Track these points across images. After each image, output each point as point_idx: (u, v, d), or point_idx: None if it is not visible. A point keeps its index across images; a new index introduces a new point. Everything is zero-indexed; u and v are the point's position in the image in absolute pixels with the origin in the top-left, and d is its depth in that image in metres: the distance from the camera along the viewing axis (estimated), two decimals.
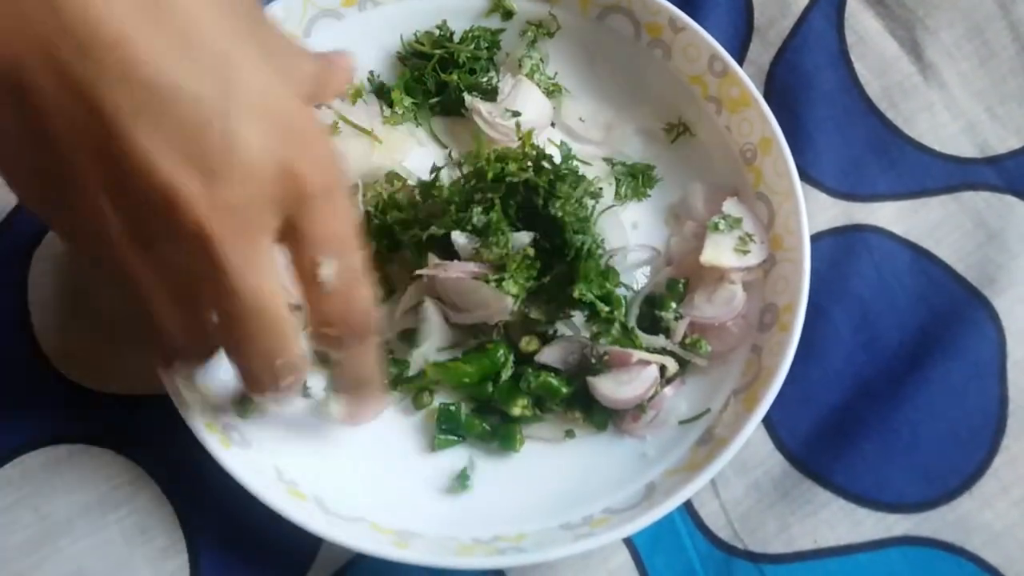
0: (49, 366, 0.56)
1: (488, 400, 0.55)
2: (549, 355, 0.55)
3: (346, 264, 0.43)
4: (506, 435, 0.54)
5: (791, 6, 0.67)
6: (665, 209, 0.61)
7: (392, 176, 0.59)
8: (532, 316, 0.55)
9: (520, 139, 0.57)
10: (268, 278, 0.41)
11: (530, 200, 0.54)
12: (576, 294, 0.53)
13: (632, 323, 0.56)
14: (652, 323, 0.56)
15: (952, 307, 0.59)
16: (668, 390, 0.55)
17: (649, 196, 0.61)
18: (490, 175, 0.54)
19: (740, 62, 0.65)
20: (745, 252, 0.56)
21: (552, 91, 0.62)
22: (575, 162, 0.57)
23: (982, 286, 0.60)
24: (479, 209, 0.54)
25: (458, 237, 0.54)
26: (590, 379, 0.54)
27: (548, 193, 0.54)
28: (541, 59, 0.62)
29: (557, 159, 0.56)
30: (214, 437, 0.50)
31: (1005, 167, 0.63)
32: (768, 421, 0.56)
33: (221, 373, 0.51)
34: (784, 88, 0.65)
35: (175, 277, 0.41)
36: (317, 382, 0.55)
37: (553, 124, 0.63)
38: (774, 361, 0.52)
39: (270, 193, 0.39)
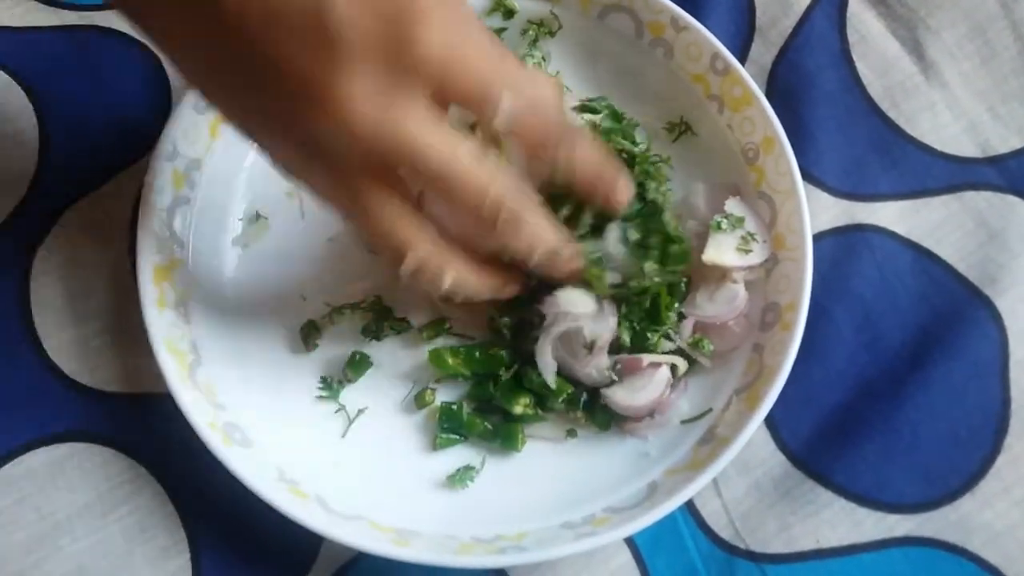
0: (51, 365, 0.56)
1: (490, 399, 0.55)
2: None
3: (516, 90, 0.43)
4: (508, 434, 0.54)
5: (793, 6, 0.67)
6: None
7: None
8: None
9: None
10: (459, 142, 0.43)
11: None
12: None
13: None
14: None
15: (954, 307, 0.59)
16: (670, 390, 0.55)
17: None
18: None
19: (742, 61, 0.65)
20: (747, 251, 0.56)
21: None
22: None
23: (984, 286, 0.60)
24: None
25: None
26: (604, 391, 0.54)
27: (646, 175, 0.55)
28: (543, 57, 0.62)
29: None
30: (216, 436, 0.50)
31: (1007, 167, 0.63)
32: (770, 421, 0.56)
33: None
34: (786, 87, 0.65)
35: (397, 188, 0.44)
36: None
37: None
38: (776, 360, 0.52)
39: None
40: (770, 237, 0.57)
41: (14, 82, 0.62)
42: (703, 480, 0.50)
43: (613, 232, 0.53)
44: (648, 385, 0.53)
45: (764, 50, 0.66)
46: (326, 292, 0.58)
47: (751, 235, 0.56)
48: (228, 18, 0.40)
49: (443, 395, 0.56)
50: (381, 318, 0.57)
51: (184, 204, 0.57)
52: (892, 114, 0.64)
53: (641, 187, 0.54)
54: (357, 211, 0.46)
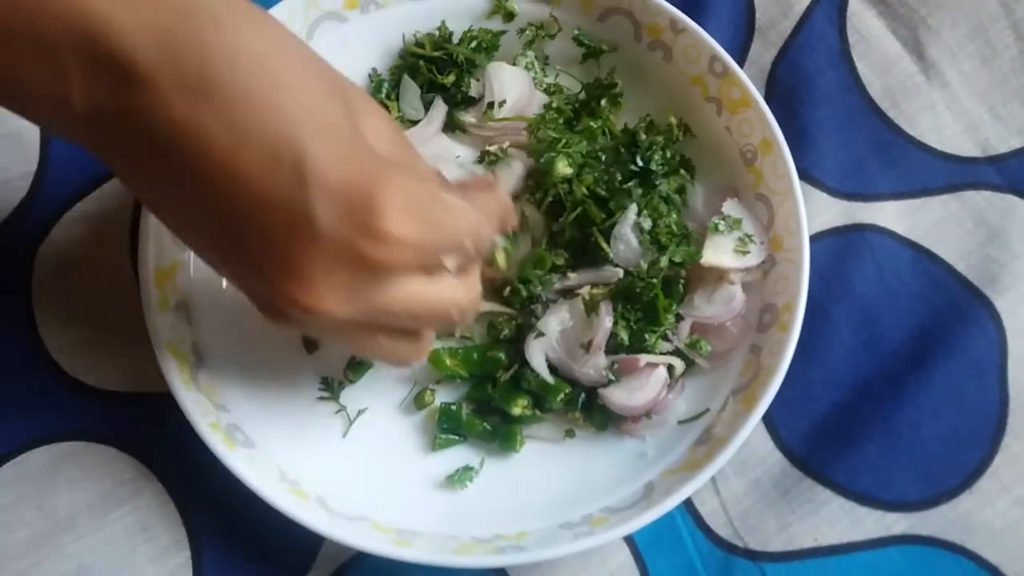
0: (53, 364, 0.57)
1: (488, 400, 0.55)
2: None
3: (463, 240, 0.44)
4: (507, 435, 0.55)
5: (793, 6, 0.67)
6: None
7: None
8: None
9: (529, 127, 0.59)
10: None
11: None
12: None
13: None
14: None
15: (953, 306, 0.59)
16: (667, 390, 0.55)
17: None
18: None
19: (741, 62, 0.65)
20: (745, 253, 0.56)
21: (552, 92, 0.62)
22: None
23: (983, 285, 0.60)
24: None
25: None
26: (601, 391, 0.54)
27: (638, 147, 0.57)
28: (536, 57, 0.62)
29: None
30: (217, 436, 0.51)
31: (1007, 166, 0.63)
32: (769, 420, 0.56)
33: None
34: (786, 88, 0.65)
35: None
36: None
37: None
38: (773, 361, 0.53)
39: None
40: (768, 238, 0.57)
41: None
42: (700, 480, 0.50)
43: (629, 218, 0.55)
44: (645, 385, 0.53)
45: (764, 50, 0.66)
46: None
47: (749, 236, 0.56)
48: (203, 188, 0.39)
49: (443, 396, 0.56)
50: None
51: None
52: (892, 114, 0.64)
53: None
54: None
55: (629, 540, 0.54)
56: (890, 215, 0.62)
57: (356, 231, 0.38)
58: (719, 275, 0.56)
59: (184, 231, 0.43)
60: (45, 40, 0.36)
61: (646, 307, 0.55)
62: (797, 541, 0.54)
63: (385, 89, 0.62)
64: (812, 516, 0.55)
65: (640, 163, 0.57)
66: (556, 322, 0.55)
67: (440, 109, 0.61)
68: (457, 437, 0.55)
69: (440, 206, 0.42)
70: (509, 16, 0.62)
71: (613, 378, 0.54)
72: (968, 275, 0.60)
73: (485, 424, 0.55)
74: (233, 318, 0.56)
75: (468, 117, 0.61)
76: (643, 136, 0.58)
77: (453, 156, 0.61)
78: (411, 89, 0.61)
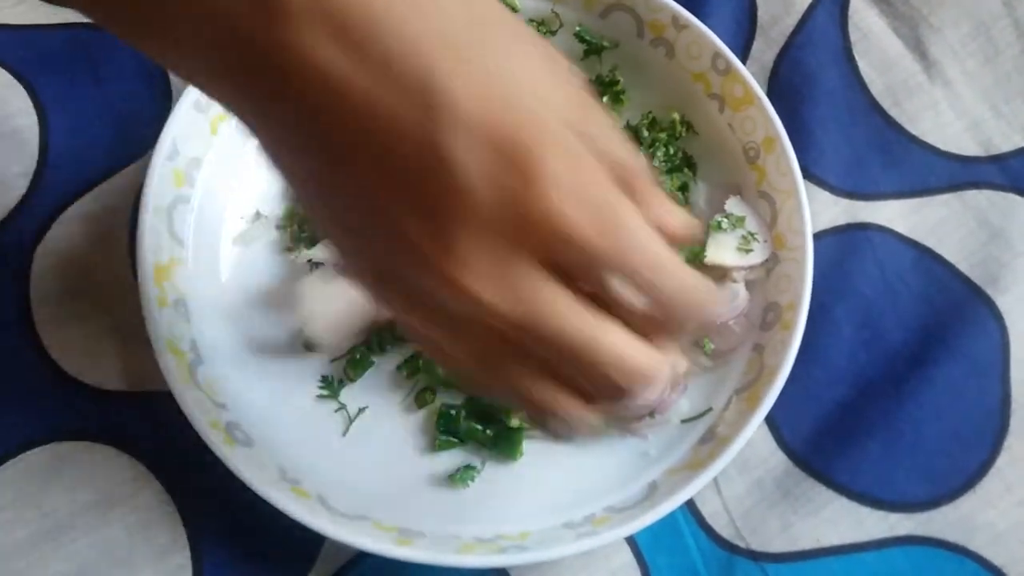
0: (51, 363, 0.56)
1: (487, 408, 0.55)
2: None
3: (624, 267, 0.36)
4: (507, 443, 0.54)
5: (795, 4, 0.67)
6: None
7: None
8: None
9: None
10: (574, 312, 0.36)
11: None
12: None
13: None
14: None
15: (955, 306, 0.59)
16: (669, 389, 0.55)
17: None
18: None
19: (743, 60, 0.65)
20: (748, 251, 0.56)
21: None
22: None
23: (985, 285, 0.59)
24: None
25: None
26: None
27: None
28: None
29: None
30: (217, 435, 0.50)
31: (1009, 165, 0.63)
32: (770, 420, 0.56)
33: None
34: (787, 86, 0.64)
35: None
36: None
37: None
38: (776, 360, 0.52)
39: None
40: (771, 236, 0.57)
41: (14, 80, 0.62)
42: (703, 480, 0.50)
43: None
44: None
45: (766, 48, 0.66)
46: None
47: (752, 235, 0.56)
48: (334, 149, 0.34)
49: (444, 395, 0.56)
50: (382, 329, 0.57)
51: (184, 203, 0.57)
52: (894, 112, 0.64)
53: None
54: (495, 382, 0.40)
55: (630, 540, 0.54)
56: (892, 214, 0.62)
57: (516, 182, 0.33)
58: (722, 273, 0.56)
59: (314, 194, 0.37)
60: None
61: None
62: (799, 541, 0.54)
63: None
64: (814, 516, 0.54)
65: None
66: None
67: None
68: (457, 440, 0.55)
69: (624, 209, 0.35)
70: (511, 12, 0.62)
71: None
72: (970, 274, 0.60)
73: (486, 431, 0.55)
74: (232, 315, 0.56)
75: None
76: (645, 133, 0.58)
77: None
78: None
